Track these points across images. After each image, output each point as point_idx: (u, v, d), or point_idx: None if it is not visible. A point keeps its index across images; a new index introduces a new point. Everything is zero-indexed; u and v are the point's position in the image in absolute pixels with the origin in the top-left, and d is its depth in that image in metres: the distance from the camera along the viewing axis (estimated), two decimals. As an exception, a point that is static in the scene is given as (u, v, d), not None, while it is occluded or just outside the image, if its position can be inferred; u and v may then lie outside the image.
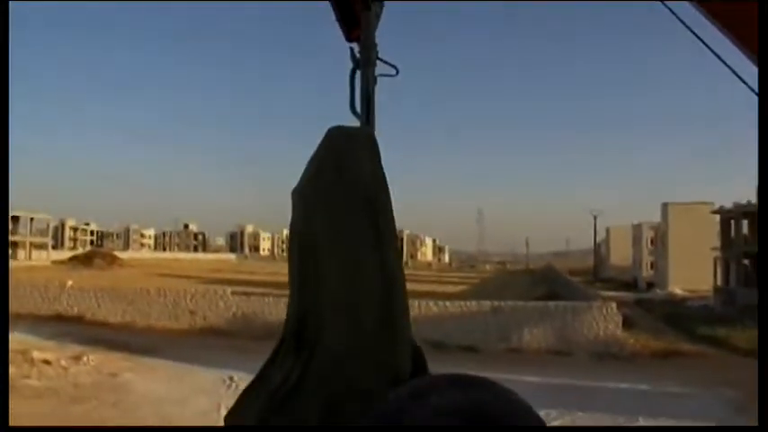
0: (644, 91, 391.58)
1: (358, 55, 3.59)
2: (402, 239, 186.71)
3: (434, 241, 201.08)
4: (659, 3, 4.25)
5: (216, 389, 18.64)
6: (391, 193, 3.01)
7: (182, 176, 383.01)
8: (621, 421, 14.84)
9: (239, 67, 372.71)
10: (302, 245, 3.13)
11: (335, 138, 3.13)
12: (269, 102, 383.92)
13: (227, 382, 19.29)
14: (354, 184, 3.05)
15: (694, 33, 4.26)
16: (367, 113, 3.54)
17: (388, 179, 3.03)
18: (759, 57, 3.76)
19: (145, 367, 20.04)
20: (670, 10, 4.33)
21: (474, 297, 40.85)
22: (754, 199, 57.69)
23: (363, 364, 2.83)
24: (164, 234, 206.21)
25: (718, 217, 65.91)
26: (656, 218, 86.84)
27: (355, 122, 3.44)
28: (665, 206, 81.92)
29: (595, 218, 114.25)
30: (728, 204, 61.85)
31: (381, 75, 3.63)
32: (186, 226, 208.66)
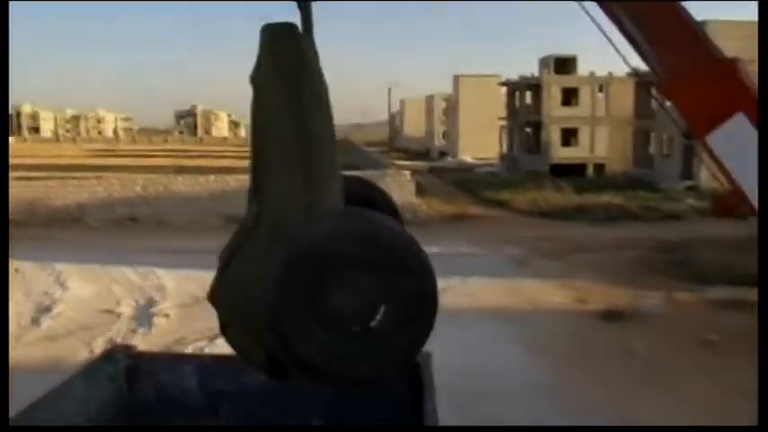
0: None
1: None
2: (195, 116, 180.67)
3: (229, 116, 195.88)
4: None
5: (1, 279, 17.44)
6: (322, 69, 4.20)
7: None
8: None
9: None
10: (253, 120, 4.15)
11: (268, 33, 4.06)
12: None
13: (12, 273, 18.12)
14: (283, 67, 4.02)
15: (603, 32, 4.39)
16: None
17: (319, 57, 4.19)
18: (759, 56, 3.82)
19: None
20: (584, 10, 4.39)
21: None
22: (536, 72, 61.02)
23: (294, 205, 3.91)
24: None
25: (504, 89, 69.26)
26: (449, 90, 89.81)
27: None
28: (456, 78, 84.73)
29: (390, 90, 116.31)
30: (514, 77, 65.02)
31: None
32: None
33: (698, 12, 4.10)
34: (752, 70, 4.03)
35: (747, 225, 4.11)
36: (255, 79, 4.18)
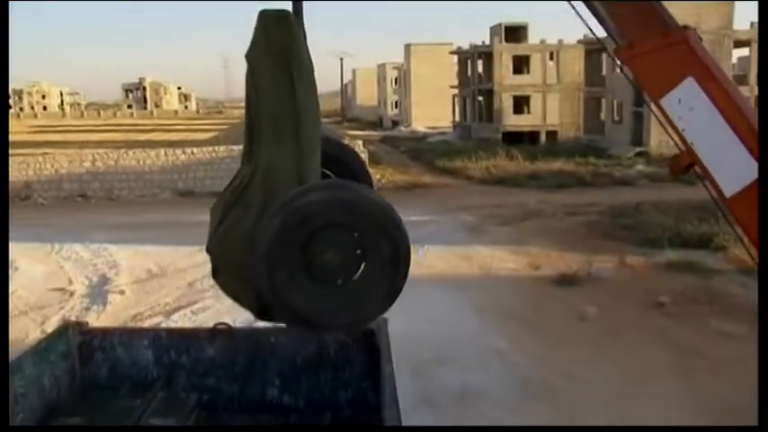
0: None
1: None
2: (144, 89, 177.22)
3: (179, 89, 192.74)
4: None
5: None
6: (310, 52, 4.85)
7: None
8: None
9: None
10: (248, 93, 4.75)
11: (264, 17, 4.66)
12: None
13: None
14: (277, 48, 4.63)
15: (571, 5, 4.58)
16: None
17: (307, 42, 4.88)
18: (759, 56, 4.02)
19: None
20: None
21: (225, 143, 40.29)
22: (487, 40, 61.09)
23: (283, 171, 4.55)
24: None
25: (456, 57, 69.22)
26: (400, 59, 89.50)
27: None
28: (407, 47, 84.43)
29: (342, 60, 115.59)
30: (466, 45, 64.98)
31: None
32: None
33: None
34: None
35: (695, 190, 4.36)
36: (250, 57, 4.77)
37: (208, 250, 4.93)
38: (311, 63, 4.90)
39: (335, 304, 4.23)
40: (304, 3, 5.00)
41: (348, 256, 4.17)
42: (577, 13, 4.57)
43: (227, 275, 4.85)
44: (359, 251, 4.18)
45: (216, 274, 4.95)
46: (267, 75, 4.70)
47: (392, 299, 4.31)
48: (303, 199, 4.19)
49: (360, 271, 4.22)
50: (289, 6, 4.97)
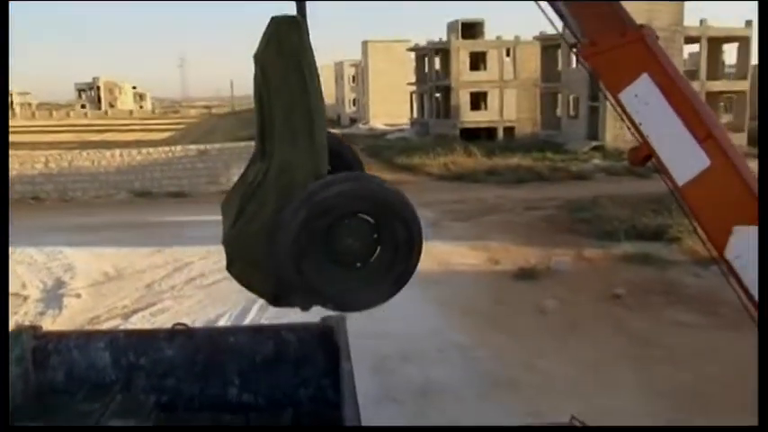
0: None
1: None
2: (98, 88, 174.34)
3: (134, 88, 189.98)
4: None
5: None
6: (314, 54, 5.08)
7: None
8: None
9: None
10: (259, 92, 4.99)
11: (277, 23, 4.94)
12: None
13: None
14: (289, 51, 4.92)
15: (540, 7, 4.76)
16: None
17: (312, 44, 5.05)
18: (759, 56, 4.07)
19: None
20: None
21: (181, 143, 39.84)
22: (444, 37, 61.33)
23: (299, 167, 4.77)
24: None
25: (413, 54, 69.36)
26: (358, 56, 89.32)
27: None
28: (364, 44, 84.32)
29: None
30: (423, 42, 65.13)
31: None
32: None
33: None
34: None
35: (650, 183, 4.49)
36: (263, 60, 5.01)
37: (224, 243, 5.23)
38: (316, 65, 5.18)
39: (354, 285, 4.67)
40: (307, 4, 5.23)
41: (367, 242, 4.60)
42: (543, 12, 4.76)
43: (244, 267, 5.11)
44: (376, 237, 4.61)
45: (230, 265, 5.17)
46: (280, 76, 4.94)
47: (406, 279, 4.80)
48: (324, 192, 4.56)
49: (376, 256, 4.65)
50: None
